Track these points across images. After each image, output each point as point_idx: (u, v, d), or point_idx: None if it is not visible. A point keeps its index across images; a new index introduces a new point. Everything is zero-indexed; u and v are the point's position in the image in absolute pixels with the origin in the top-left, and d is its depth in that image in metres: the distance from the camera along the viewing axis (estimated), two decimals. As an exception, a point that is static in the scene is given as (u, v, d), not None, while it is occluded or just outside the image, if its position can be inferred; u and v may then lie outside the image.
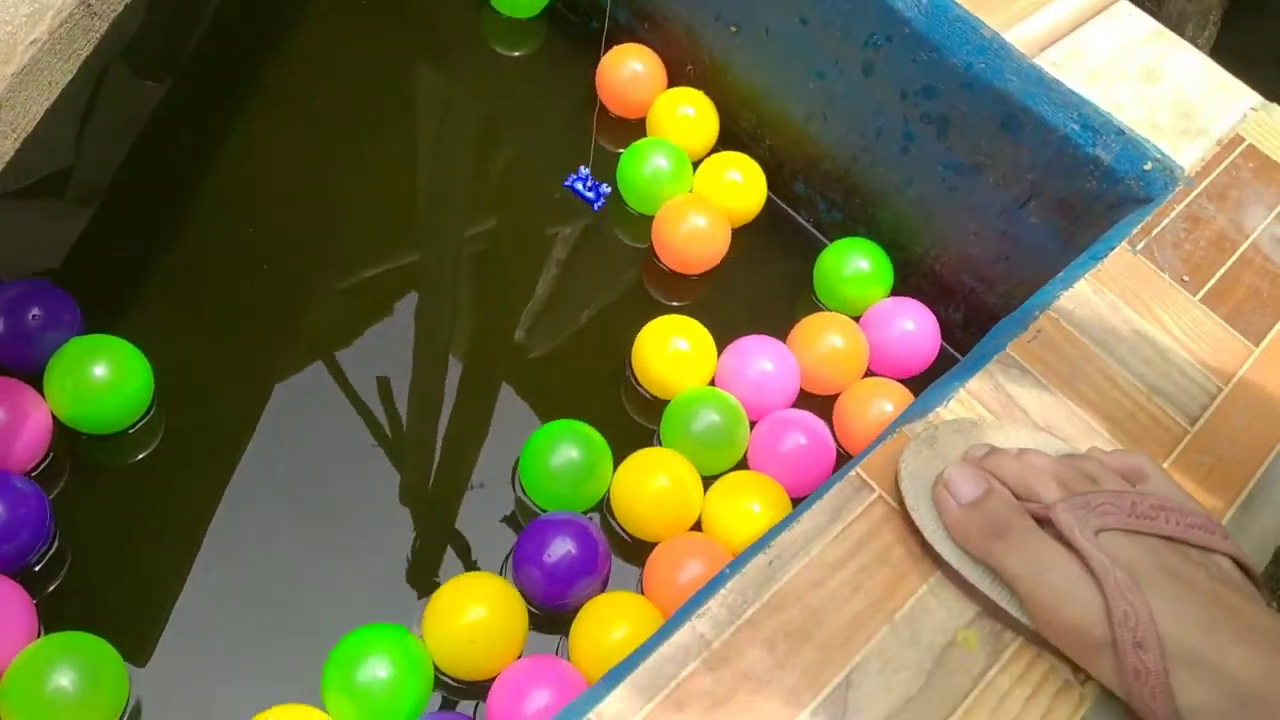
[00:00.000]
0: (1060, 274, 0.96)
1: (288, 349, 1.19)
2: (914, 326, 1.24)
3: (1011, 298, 1.22)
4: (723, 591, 0.71)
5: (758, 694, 0.68)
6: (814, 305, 1.31)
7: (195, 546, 1.04)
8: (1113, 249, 0.95)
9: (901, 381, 1.22)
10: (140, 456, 1.09)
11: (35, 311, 1.07)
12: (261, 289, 1.22)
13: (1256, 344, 0.92)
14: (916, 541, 0.75)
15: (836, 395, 1.23)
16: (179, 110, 1.34)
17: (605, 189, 1.33)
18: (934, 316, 1.25)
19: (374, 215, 1.31)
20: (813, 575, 0.73)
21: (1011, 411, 0.84)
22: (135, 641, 0.97)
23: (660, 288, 1.30)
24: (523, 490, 1.12)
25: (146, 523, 1.05)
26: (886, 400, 1.18)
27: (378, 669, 0.93)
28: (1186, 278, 0.95)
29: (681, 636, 0.69)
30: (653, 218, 1.32)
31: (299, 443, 1.13)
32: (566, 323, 1.27)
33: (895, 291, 1.30)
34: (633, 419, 1.19)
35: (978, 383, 0.85)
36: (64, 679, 0.89)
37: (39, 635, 0.95)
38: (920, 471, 0.76)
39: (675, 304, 1.30)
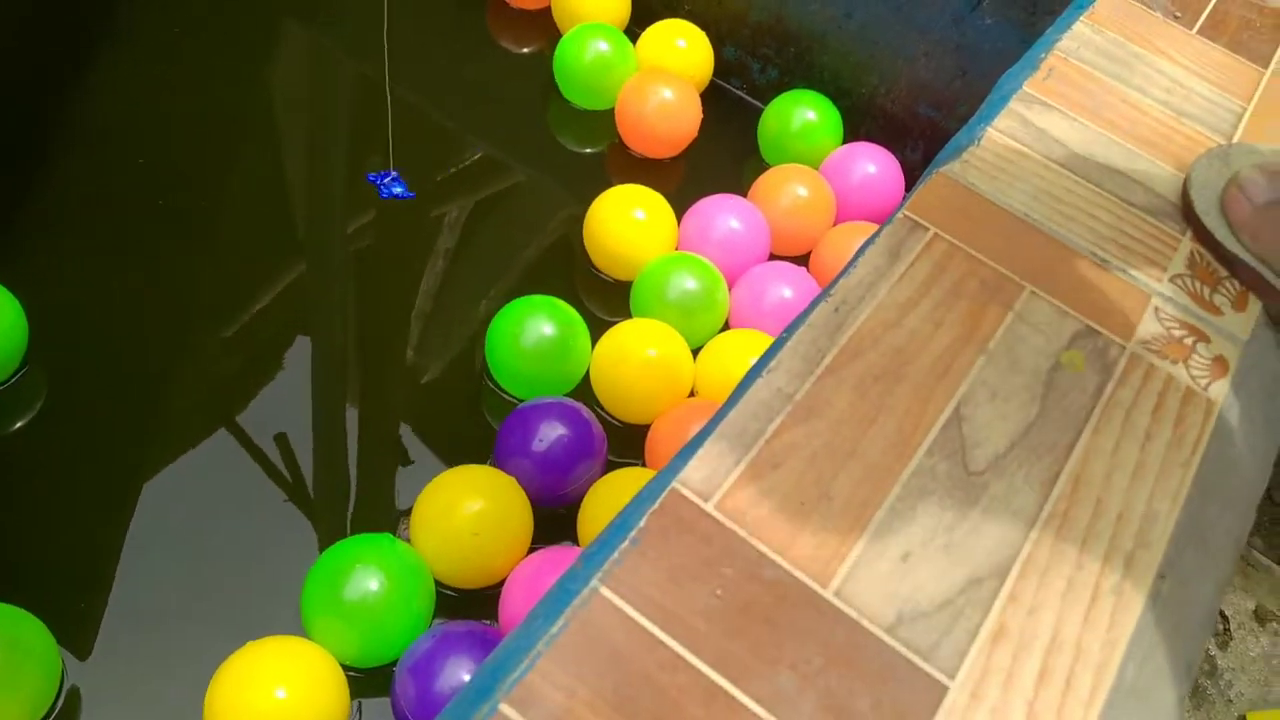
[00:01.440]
0: (1057, 20, 0.88)
1: (181, 279, 1.03)
2: (876, 169, 1.15)
3: (972, 121, 1.15)
4: (792, 342, 0.60)
5: (861, 439, 0.56)
6: (765, 170, 1.21)
7: (122, 502, 0.87)
8: (1098, -5, 0.88)
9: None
10: (25, 420, 0.91)
11: None
12: (152, 225, 1.06)
13: (1265, 67, 0.86)
14: (1206, 248, 0.70)
15: (808, 255, 1.13)
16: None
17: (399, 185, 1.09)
18: (894, 157, 1.17)
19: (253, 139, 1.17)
20: (886, 316, 0.62)
21: (1046, 144, 0.75)
22: (72, 613, 0.80)
23: (617, 173, 1.18)
24: (491, 378, 0.98)
25: (60, 484, 0.88)
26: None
27: (368, 582, 0.78)
28: (1178, 14, 0.89)
29: (758, 393, 0.57)
30: (596, 112, 1.21)
31: (218, 368, 0.97)
32: (519, 217, 1.15)
33: (846, 142, 1.21)
34: (590, 310, 1.06)
35: (1005, 121, 0.76)
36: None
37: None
38: (1211, 181, 0.72)
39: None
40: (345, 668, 0.78)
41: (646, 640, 0.47)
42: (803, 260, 1.12)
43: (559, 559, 0.83)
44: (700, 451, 0.54)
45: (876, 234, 0.67)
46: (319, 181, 1.14)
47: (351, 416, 0.96)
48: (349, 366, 1.00)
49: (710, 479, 0.53)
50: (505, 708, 0.44)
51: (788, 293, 1.03)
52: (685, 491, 0.52)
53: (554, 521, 0.89)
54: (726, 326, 1.05)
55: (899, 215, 0.68)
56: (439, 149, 1.19)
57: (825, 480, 0.54)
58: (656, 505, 0.52)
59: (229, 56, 1.20)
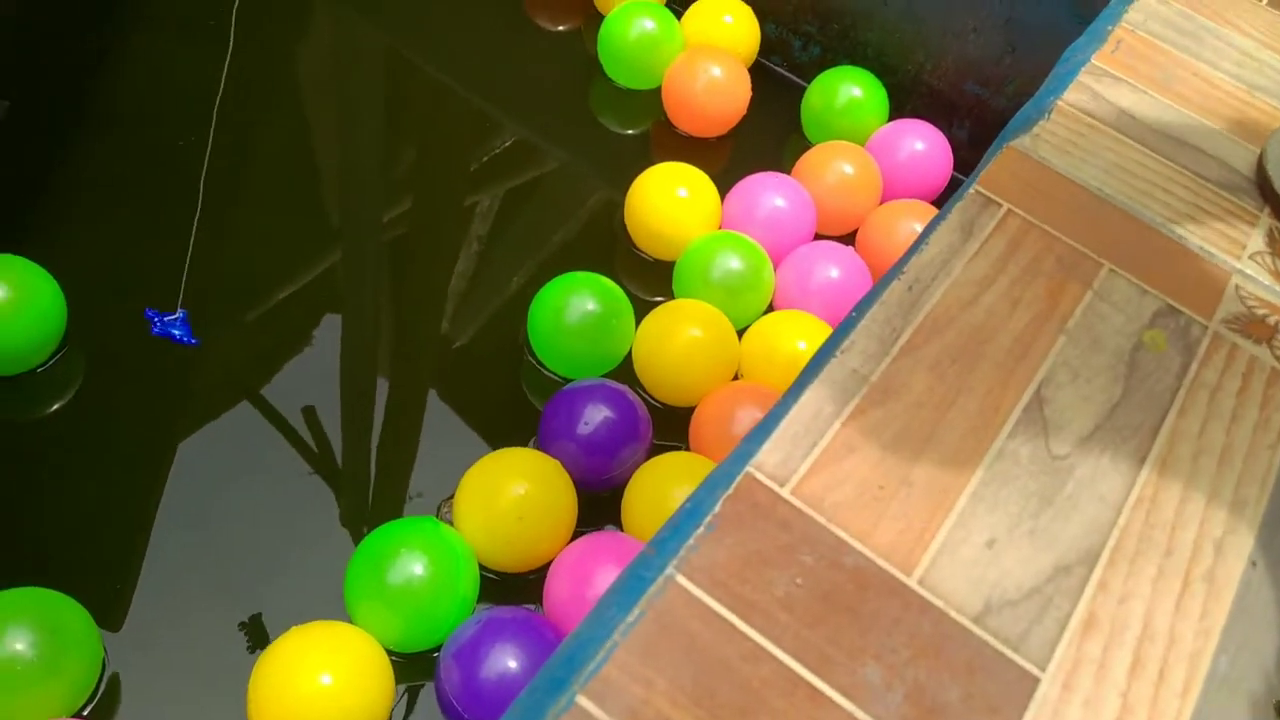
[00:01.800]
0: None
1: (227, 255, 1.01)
2: (924, 146, 1.13)
3: (1022, 97, 1.11)
4: (865, 322, 0.57)
5: (941, 422, 0.54)
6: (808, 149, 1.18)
7: (159, 483, 0.86)
8: (1164, -34, 0.85)
9: (917, 208, 1.10)
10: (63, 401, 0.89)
11: None
12: (187, 206, 1.04)
13: (1339, 39, 0.83)
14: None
15: (854, 233, 1.11)
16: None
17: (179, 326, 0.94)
18: (943, 134, 1.14)
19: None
20: (961, 295, 0.60)
21: (1118, 117, 0.72)
22: (110, 595, 0.79)
23: (659, 152, 1.15)
24: (534, 355, 0.96)
25: (98, 464, 0.86)
26: (915, 221, 1.06)
27: (412, 566, 0.76)
28: (1247, -15, 0.86)
29: (831, 374, 0.55)
30: (641, 92, 1.18)
31: (254, 348, 0.95)
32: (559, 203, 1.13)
33: (892, 119, 1.18)
34: (632, 291, 1.03)
35: (1074, 94, 0.73)
36: (20, 642, 0.70)
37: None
38: None
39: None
40: (389, 652, 0.76)
41: (725, 630, 0.45)
42: (849, 239, 1.09)
43: (603, 545, 0.81)
44: (774, 435, 0.52)
45: (947, 210, 0.65)
46: (353, 163, 1.12)
47: (391, 397, 0.94)
48: (386, 347, 0.99)
49: (785, 463, 0.51)
50: (583, 700, 0.42)
51: (835, 273, 1.01)
52: (760, 476, 0.50)
53: (596, 505, 0.87)
54: (771, 308, 1.03)
55: (970, 191, 0.65)
56: (474, 130, 1.17)
57: (905, 465, 0.52)
58: (731, 490, 0.50)
59: (263, 36, 1.18)
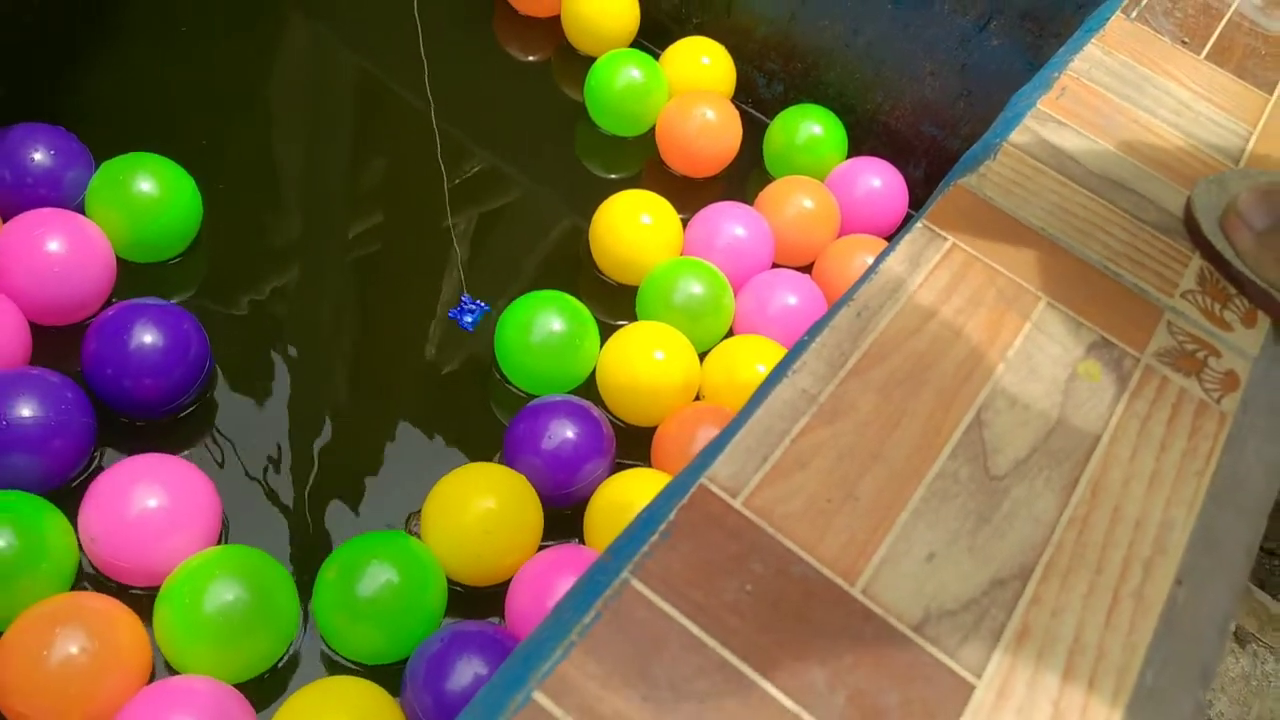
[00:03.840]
0: (1068, 41, 0.90)
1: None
2: (880, 184, 1.17)
3: (976, 139, 1.16)
4: (815, 345, 0.60)
5: (886, 441, 0.57)
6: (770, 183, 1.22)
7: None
8: (1108, 19, 0.89)
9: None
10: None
11: (41, 152, 0.96)
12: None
13: (1270, 93, 0.88)
14: (1214, 266, 0.71)
15: (811, 264, 1.14)
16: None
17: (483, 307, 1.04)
18: (899, 172, 1.18)
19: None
20: (907, 323, 0.63)
21: (1061, 160, 0.76)
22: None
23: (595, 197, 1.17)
24: (500, 372, 0.98)
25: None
26: (870, 254, 1.09)
27: (382, 579, 0.77)
28: (1186, 40, 0.90)
29: (782, 393, 0.58)
30: (625, 138, 1.21)
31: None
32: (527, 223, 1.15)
33: (851, 157, 1.22)
34: (596, 314, 1.06)
35: (1019, 137, 0.77)
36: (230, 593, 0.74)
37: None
38: (1211, 205, 0.73)
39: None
40: (355, 664, 0.77)
41: (678, 632, 0.48)
42: (806, 270, 1.12)
43: (565, 559, 0.83)
44: (727, 448, 0.54)
45: (896, 242, 0.68)
46: (321, 179, 1.14)
47: (358, 411, 0.96)
48: (353, 363, 1.00)
49: (738, 475, 0.53)
50: (539, 696, 0.44)
51: (793, 299, 1.04)
52: (713, 487, 0.53)
53: (560, 520, 0.89)
54: (731, 332, 1.06)
55: (918, 225, 0.69)
56: (446, 156, 1.19)
57: (851, 480, 0.55)
58: (685, 500, 0.52)
59: (239, 48, 1.20)
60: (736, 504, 0.52)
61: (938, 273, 0.66)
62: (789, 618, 0.49)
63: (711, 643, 0.48)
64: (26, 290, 0.88)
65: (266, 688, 0.79)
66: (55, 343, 0.90)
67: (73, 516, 0.80)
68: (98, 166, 0.99)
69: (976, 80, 1.09)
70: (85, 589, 0.80)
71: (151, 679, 0.76)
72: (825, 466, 0.55)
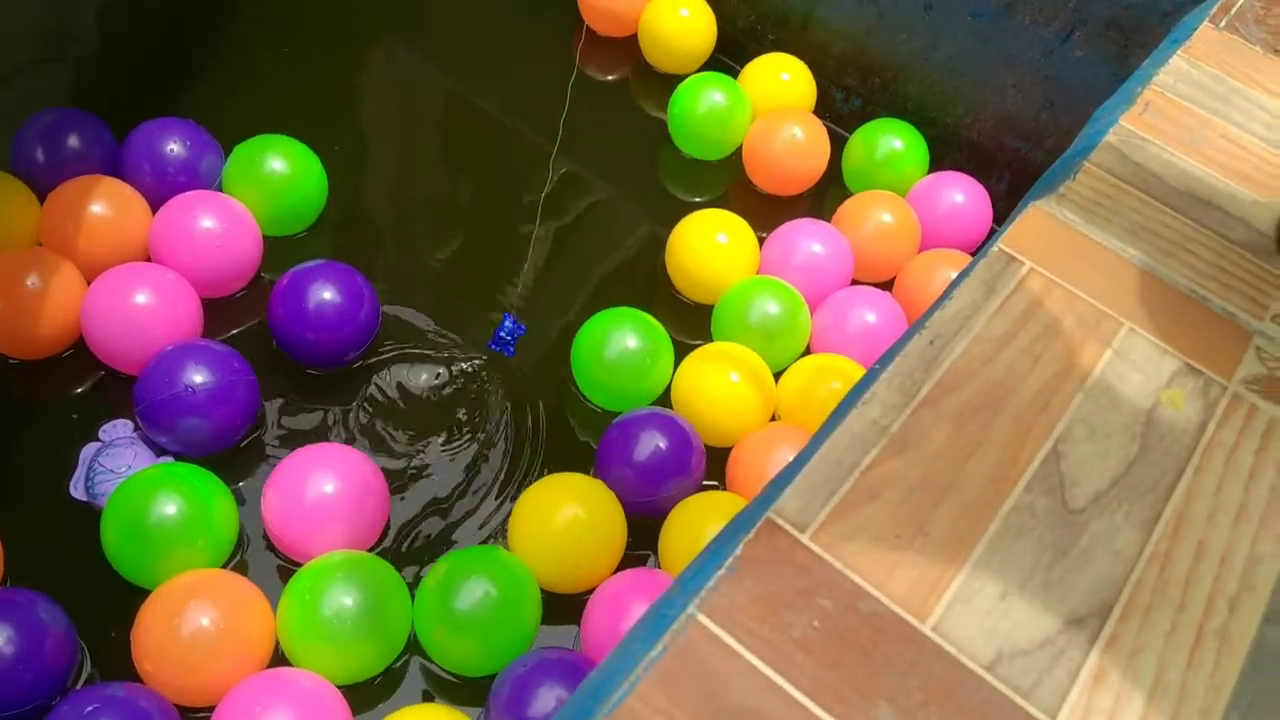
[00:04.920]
0: (1152, 54, 0.88)
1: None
2: (964, 199, 1.15)
3: (1060, 152, 1.13)
4: (886, 375, 0.60)
5: (959, 473, 0.56)
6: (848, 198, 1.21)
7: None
8: (1195, 29, 0.87)
9: (955, 260, 1.12)
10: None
11: (176, 143, 1.03)
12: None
13: (1370, 103, 0.84)
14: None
15: (890, 283, 1.13)
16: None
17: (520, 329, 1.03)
18: (983, 187, 1.16)
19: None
20: (982, 350, 0.62)
21: (1144, 179, 0.74)
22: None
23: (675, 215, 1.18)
24: (576, 385, 0.99)
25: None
26: (952, 269, 1.08)
27: (480, 593, 0.79)
28: (1279, 49, 0.87)
29: (852, 425, 0.57)
30: (704, 162, 1.22)
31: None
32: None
33: (932, 171, 1.21)
34: (671, 333, 1.06)
35: (1101, 155, 0.75)
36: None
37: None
38: None
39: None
40: (453, 675, 0.80)
41: (744, 668, 0.48)
42: (886, 288, 1.11)
43: (640, 583, 0.83)
44: (795, 482, 0.54)
45: (970, 266, 0.67)
46: (411, 183, 1.17)
47: (441, 418, 0.98)
48: (439, 371, 1.02)
49: (806, 510, 0.53)
50: (606, 730, 0.45)
51: (871, 317, 1.03)
52: (780, 522, 0.53)
53: (636, 529, 0.89)
54: (808, 351, 1.05)
55: (994, 248, 0.68)
56: (524, 167, 1.21)
57: (922, 514, 0.54)
58: (752, 534, 0.52)
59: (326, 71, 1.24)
60: (804, 539, 0.52)
61: (1014, 299, 0.65)
62: (857, 654, 0.49)
63: (778, 679, 0.48)
64: (191, 267, 0.97)
65: (367, 690, 0.81)
66: (210, 314, 0.99)
67: (239, 482, 0.88)
68: (225, 154, 1.07)
69: (1060, 92, 1.07)
70: (245, 560, 0.87)
71: (271, 664, 0.80)
72: (896, 499, 0.54)
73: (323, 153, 1.09)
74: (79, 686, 0.77)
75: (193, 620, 0.75)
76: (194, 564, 0.81)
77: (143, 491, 0.81)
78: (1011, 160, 1.15)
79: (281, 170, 1.04)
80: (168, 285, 0.94)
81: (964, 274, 0.67)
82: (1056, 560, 0.54)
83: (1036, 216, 0.70)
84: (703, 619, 0.49)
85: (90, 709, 0.70)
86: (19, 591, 0.77)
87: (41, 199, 0.99)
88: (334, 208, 1.10)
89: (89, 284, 0.94)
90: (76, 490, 0.86)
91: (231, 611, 0.77)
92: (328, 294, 0.93)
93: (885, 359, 0.62)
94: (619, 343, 0.95)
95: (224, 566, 0.85)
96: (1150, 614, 0.53)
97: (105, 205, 0.97)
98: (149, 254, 1.00)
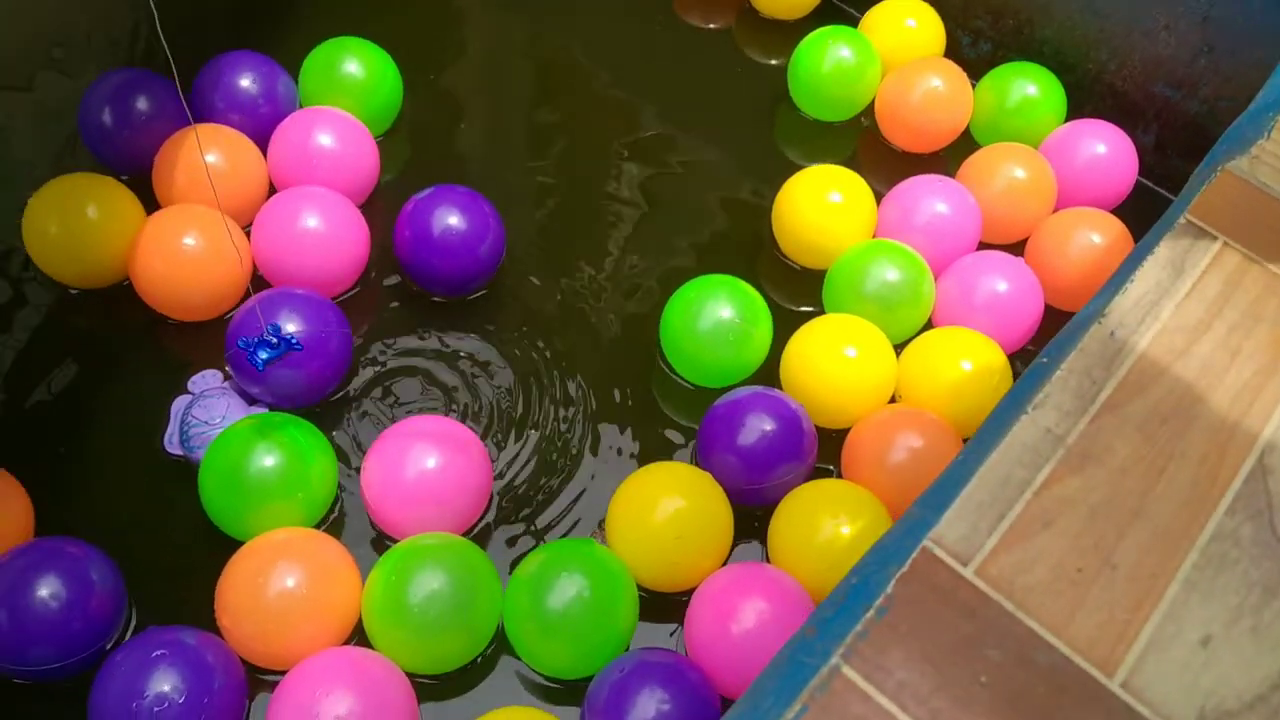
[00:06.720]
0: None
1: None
2: (1106, 150, 1.03)
3: (1219, 101, 1.02)
4: (1060, 373, 0.51)
5: (1148, 494, 0.47)
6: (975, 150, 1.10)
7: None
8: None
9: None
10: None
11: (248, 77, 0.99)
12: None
13: None
14: None
15: (1023, 242, 1.03)
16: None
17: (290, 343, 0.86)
18: (1127, 136, 1.04)
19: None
20: (1171, 343, 0.53)
21: (1356, 135, 0.63)
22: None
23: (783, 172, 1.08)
24: (664, 358, 0.92)
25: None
26: (1093, 231, 0.97)
27: (571, 591, 0.73)
28: None
29: (1021, 433, 0.49)
30: (825, 124, 1.12)
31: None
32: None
33: (1069, 120, 1.09)
34: (776, 301, 0.97)
35: (1301, 107, 0.64)
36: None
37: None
38: None
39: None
40: (541, 676, 0.76)
41: (899, 733, 0.40)
42: (1016, 249, 1.01)
43: (748, 578, 0.76)
44: (955, 503, 0.46)
45: (1151, 242, 0.58)
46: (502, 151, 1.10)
47: (528, 398, 0.91)
48: (528, 345, 0.96)
49: (969, 538, 0.45)
50: (737, 807, 0.38)
51: (1003, 285, 0.93)
52: (939, 552, 0.45)
53: (741, 518, 0.82)
54: (930, 324, 0.96)
55: (1179, 220, 0.58)
56: (613, 120, 1.13)
57: (1107, 543, 0.46)
58: (906, 567, 0.44)
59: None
60: (967, 573, 0.44)
61: (1206, 280, 0.55)
62: (1033, 718, 0.41)
63: (940, 747, 0.40)
64: (336, 183, 0.95)
65: (447, 682, 0.76)
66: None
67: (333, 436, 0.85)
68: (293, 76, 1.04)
69: (1221, 35, 0.95)
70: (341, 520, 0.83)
71: (352, 638, 0.76)
72: (1075, 526, 0.46)
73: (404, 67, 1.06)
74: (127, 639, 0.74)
75: (278, 582, 0.72)
76: (288, 520, 0.78)
77: (243, 441, 0.78)
78: (1161, 110, 1.03)
79: (358, 73, 1.02)
80: (339, 206, 0.92)
81: (1144, 250, 0.57)
82: (1267, 600, 0.45)
83: (1227, 182, 0.60)
84: (848, 671, 0.41)
85: (158, 653, 0.67)
86: (70, 541, 0.74)
87: (119, 168, 0.95)
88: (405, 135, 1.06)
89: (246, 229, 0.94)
90: (171, 445, 0.83)
91: (319, 577, 0.74)
92: (455, 219, 0.91)
93: (1055, 351, 0.53)
94: (712, 313, 0.87)
95: (317, 526, 0.82)
96: (1389, 672, 0.44)
97: (218, 154, 0.94)
98: (270, 187, 0.98)
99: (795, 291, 1.00)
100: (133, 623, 0.76)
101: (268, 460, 0.77)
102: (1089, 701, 0.41)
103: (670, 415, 0.91)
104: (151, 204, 0.94)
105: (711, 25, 1.21)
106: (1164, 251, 0.55)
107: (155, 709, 0.65)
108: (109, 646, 0.74)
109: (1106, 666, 0.43)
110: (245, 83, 0.99)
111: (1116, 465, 0.47)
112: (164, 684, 0.67)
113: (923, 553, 0.44)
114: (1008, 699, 0.41)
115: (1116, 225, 0.97)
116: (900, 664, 0.41)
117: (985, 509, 0.45)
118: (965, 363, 0.88)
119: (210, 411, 0.83)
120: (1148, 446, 0.48)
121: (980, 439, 0.49)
